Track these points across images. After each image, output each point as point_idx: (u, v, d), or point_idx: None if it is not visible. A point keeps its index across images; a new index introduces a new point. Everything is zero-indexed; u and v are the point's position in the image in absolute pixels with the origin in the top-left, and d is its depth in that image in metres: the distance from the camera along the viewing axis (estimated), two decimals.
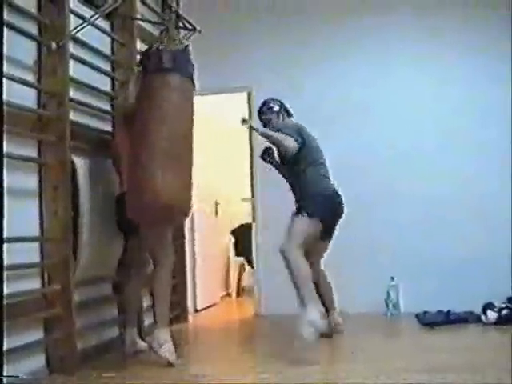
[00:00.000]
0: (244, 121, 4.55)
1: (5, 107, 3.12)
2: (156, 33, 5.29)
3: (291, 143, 4.36)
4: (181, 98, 3.85)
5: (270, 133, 4.44)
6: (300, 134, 4.44)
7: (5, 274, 3.12)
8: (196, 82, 4.01)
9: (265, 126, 4.66)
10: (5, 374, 3.03)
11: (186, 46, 4.02)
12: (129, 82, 4.31)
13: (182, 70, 3.86)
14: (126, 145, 3.98)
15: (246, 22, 6.09)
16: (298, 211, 4.36)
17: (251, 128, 4.67)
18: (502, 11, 5.58)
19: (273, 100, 4.72)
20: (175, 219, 4.11)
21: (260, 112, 4.74)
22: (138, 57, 4.70)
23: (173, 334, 3.99)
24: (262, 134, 4.45)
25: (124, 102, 4.25)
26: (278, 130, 4.48)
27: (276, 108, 4.67)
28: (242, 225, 7.37)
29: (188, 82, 3.91)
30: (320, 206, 4.35)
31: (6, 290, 3.13)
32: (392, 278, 5.65)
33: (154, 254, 4.07)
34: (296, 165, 4.49)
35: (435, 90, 5.81)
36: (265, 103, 4.73)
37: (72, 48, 3.96)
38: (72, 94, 3.94)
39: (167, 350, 3.85)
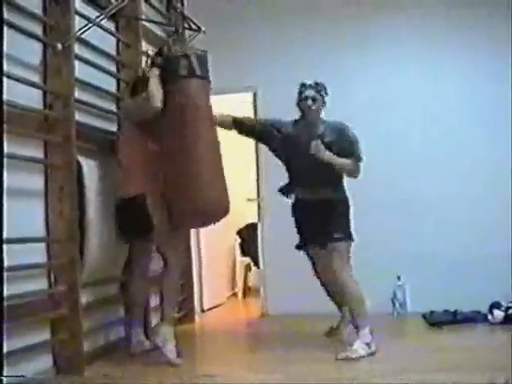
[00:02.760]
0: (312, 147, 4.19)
1: (11, 108, 3.14)
2: (161, 33, 5.33)
3: (357, 172, 4.28)
4: (206, 103, 3.97)
5: (338, 161, 4.18)
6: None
7: (11, 274, 3.13)
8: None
9: (311, 101, 4.30)
10: (10, 373, 3.04)
11: (205, 51, 4.05)
12: (141, 82, 4.13)
13: (205, 75, 3.97)
14: (135, 146, 4.00)
15: (251, 22, 6.07)
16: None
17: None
18: (502, 10, 5.56)
19: (323, 85, 4.38)
20: (220, 218, 4.15)
21: (310, 86, 4.34)
22: (144, 58, 4.74)
23: (177, 335, 3.99)
24: (328, 162, 4.16)
25: (143, 104, 4.00)
26: (329, 137, 4.24)
27: (325, 95, 4.37)
28: (248, 225, 7.37)
29: (209, 86, 4.03)
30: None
31: (12, 291, 3.14)
32: (399, 278, 5.64)
33: (166, 254, 4.08)
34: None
35: (434, 89, 5.81)
36: (318, 82, 4.36)
37: (77, 49, 3.97)
38: (77, 94, 3.95)
39: (169, 350, 3.86)
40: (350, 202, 4.39)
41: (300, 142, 4.29)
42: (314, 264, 4.56)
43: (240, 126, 4.48)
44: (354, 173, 4.28)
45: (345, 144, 4.22)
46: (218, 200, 3.97)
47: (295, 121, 4.46)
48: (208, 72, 4.01)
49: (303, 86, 4.36)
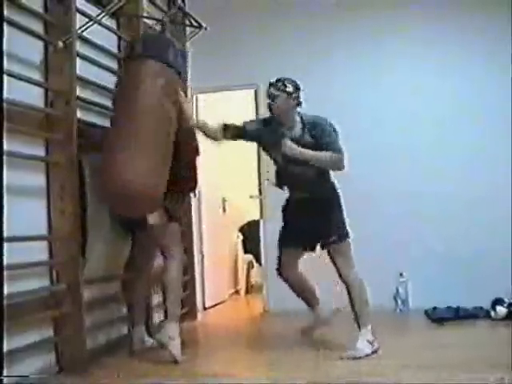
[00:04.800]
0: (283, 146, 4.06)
1: (12, 106, 3.14)
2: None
3: (340, 164, 4.05)
4: (150, 83, 3.77)
5: (315, 156, 4.00)
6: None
7: (14, 272, 3.14)
8: (186, 70, 3.98)
9: (271, 100, 4.08)
10: (13, 371, 3.05)
11: (162, 31, 4.00)
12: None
13: (155, 56, 3.83)
14: None
15: (252, 19, 6.07)
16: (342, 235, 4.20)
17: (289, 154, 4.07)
18: (503, 10, 5.55)
19: (290, 80, 4.10)
20: (138, 204, 3.75)
21: (270, 85, 4.11)
22: None
23: (181, 331, 3.99)
24: (305, 159, 4.01)
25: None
26: (309, 133, 4.08)
27: (290, 88, 4.04)
28: (250, 222, 7.36)
29: (164, 67, 3.84)
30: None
31: (15, 289, 3.15)
32: (401, 274, 5.63)
33: (164, 248, 4.07)
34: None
35: (434, 88, 5.80)
36: (280, 79, 4.09)
37: (78, 46, 3.97)
38: (79, 92, 3.95)
39: (173, 347, 3.86)
40: (342, 198, 4.29)
41: (270, 141, 4.20)
42: (279, 265, 4.41)
43: (230, 129, 4.26)
44: (335, 165, 4.06)
45: (324, 137, 4.04)
46: (134, 183, 3.59)
47: (264, 119, 4.36)
48: (159, 50, 3.87)
49: (268, 84, 4.17)
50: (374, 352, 3.98)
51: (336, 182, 4.30)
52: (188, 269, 5.46)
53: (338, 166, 4.07)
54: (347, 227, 4.24)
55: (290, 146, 3.99)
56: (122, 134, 3.69)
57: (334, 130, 4.11)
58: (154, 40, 3.97)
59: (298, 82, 4.13)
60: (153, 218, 3.95)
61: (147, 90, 3.76)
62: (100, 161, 3.74)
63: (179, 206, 4.26)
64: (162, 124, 3.78)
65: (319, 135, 4.06)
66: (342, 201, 4.27)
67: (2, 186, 2.47)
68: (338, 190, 4.26)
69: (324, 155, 4.00)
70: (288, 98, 4.04)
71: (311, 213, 4.15)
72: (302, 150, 3.99)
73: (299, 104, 4.11)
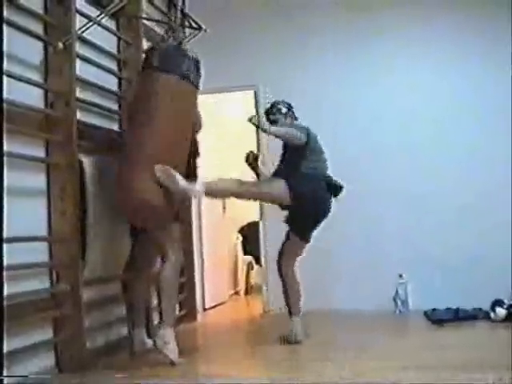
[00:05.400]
0: (250, 119, 4.51)
1: (12, 107, 3.14)
2: (162, 32, 5.32)
3: (300, 135, 4.37)
4: (167, 98, 3.83)
5: (280, 129, 4.44)
6: (307, 133, 4.43)
7: (14, 273, 3.14)
8: (200, 80, 3.99)
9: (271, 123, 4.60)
10: (13, 372, 3.05)
11: (180, 43, 4.01)
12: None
13: (171, 69, 3.85)
14: None
15: (251, 20, 6.08)
16: None
17: (259, 128, 4.52)
18: (501, 9, 5.56)
19: (282, 102, 4.73)
20: (156, 219, 3.92)
21: (268, 112, 4.74)
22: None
23: (177, 334, 3.98)
24: (272, 133, 4.38)
25: None
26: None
27: (284, 110, 4.69)
28: (250, 223, 7.37)
29: (179, 80, 3.87)
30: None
31: (15, 290, 3.15)
32: (400, 276, 5.63)
33: (162, 251, 4.07)
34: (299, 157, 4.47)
35: (432, 87, 5.82)
36: (273, 104, 4.74)
37: (78, 47, 3.97)
38: (78, 93, 3.95)
39: (170, 350, 3.86)
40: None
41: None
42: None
43: None
44: (295, 137, 4.37)
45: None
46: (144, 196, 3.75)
47: None
48: (175, 63, 3.87)
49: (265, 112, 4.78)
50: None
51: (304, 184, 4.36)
52: (187, 270, 5.45)
53: (298, 138, 4.37)
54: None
55: (260, 119, 4.33)
56: (142, 151, 3.76)
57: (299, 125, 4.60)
58: (170, 52, 3.95)
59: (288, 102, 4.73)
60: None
61: (165, 105, 3.82)
62: (117, 172, 3.85)
63: (182, 206, 4.29)
64: (180, 138, 3.90)
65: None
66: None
67: (2, 187, 2.47)
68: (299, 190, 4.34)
69: (288, 129, 4.46)
70: (285, 118, 4.67)
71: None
72: (273, 126, 4.40)
73: (295, 119, 4.74)
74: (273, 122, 4.62)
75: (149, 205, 3.75)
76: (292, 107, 4.76)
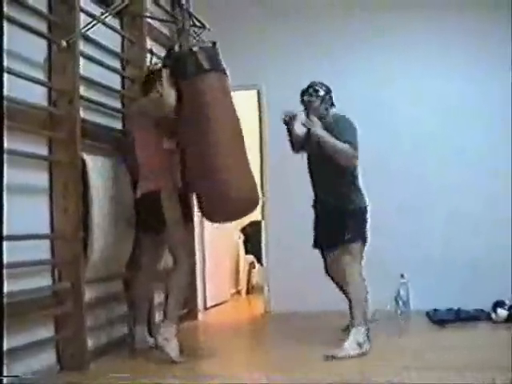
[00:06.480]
0: (290, 119, 4.32)
1: (15, 105, 3.15)
2: (165, 31, 5.33)
3: (352, 158, 4.12)
4: (223, 95, 3.99)
5: (330, 139, 4.10)
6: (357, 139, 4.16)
7: (15, 271, 3.15)
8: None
9: (305, 109, 4.34)
10: (14, 370, 3.06)
11: (214, 42, 4.06)
12: (150, 81, 4.24)
13: (217, 67, 3.98)
14: (152, 144, 4.01)
15: (255, 20, 6.08)
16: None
17: (308, 129, 4.25)
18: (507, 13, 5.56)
19: (321, 84, 4.34)
20: (251, 209, 4.19)
21: (303, 92, 4.36)
22: (149, 55, 4.74)
23: (179, 333, 3.99)
24: (320, 138, 4.12)
25: (158, 102, 4.01)
26: (332, 130, 4.16)
27: (321, 93, 4.30)
28: (252, 222, 7.37)
29: (224, 77, 4.05)
30: None
31: (16, 288, 3.16)
32: (402, 276, 5.63)
33: (175, 253, 4.07)
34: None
35: (439, 89, 5.81)
36: (311, 85, 4.35)
37: (82, 46, 3.97)
38: (82, 91, 3.95)
39: (171, 348, 3.86)
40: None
41: (307, 140, 4.34)
42: (326, 263, 4.50)
43: None
44: (347, 157, 4.11)
45: (341, 130, 4.16)
46: (248, 190, 3.99)
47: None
48: (218, 62, 4.02)
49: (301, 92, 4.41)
50: (362, 354, 3.92)
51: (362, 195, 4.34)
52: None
53: (350, 159, 4.14)
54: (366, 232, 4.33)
55: (313, 121, 4.15)
56: (225, 153, 3.90)
57: (352, 125, 4.21)
58: (213, 53, 4.04)
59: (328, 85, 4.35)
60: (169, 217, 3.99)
61: (225, 102, 4.02)
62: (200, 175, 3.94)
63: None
64: (242, 133, 4.09)
65: (338, 130, 4.16)
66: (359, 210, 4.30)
67: (2, 184, 2.47)
68: (357, 202, 4.28)
69: (340, 143, 4.08)
70: (321, 102, 4.28)
71: (333, 214, 4.24)
72: (323, 130, 4.13)
73: (332, 105, 4.33)
74: (306, 105, 4.33)
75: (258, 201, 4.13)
76: (331, 91, 4.36)
